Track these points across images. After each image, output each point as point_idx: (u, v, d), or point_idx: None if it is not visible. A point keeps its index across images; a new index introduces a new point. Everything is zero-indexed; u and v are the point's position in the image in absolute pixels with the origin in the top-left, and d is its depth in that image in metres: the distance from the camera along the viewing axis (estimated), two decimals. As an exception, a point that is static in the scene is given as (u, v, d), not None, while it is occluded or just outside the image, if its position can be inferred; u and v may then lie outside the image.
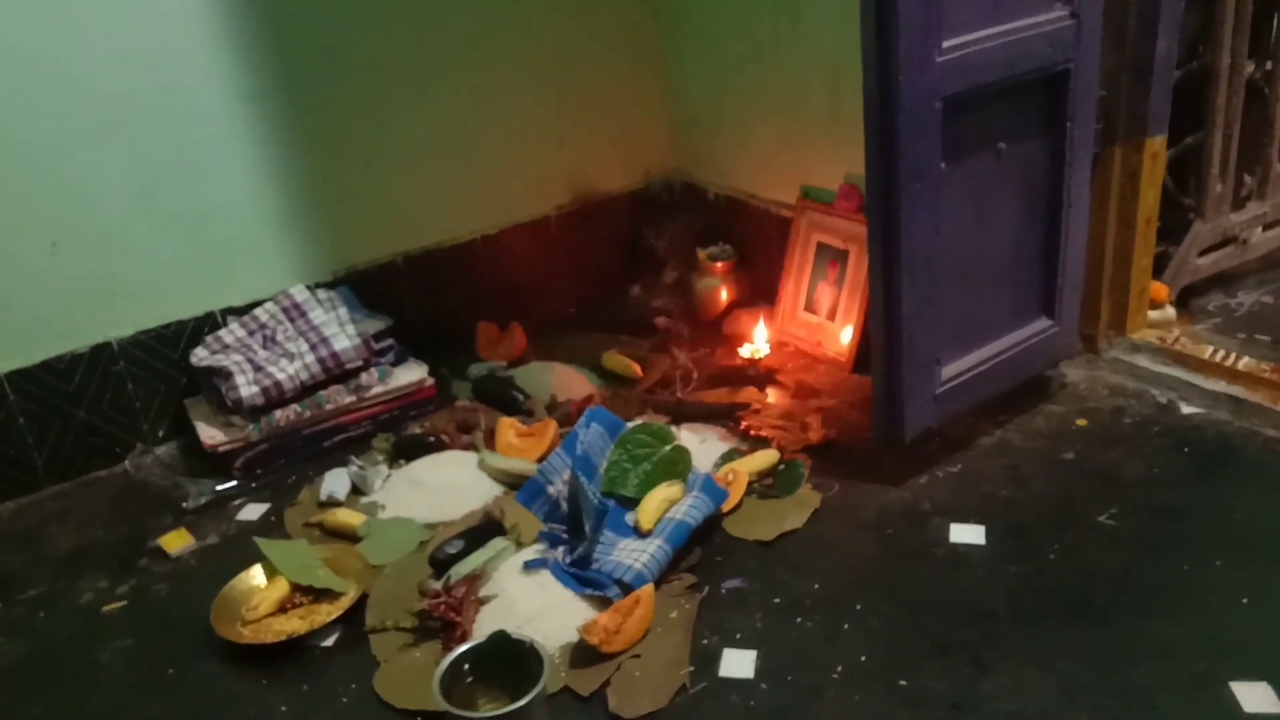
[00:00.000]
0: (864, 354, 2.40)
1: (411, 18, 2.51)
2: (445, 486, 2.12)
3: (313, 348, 2.32)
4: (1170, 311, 2.49)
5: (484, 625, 1.70)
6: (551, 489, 2.02)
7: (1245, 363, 2.24)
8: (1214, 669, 1.51)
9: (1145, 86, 2.18)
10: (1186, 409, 2.18)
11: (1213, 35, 2.36)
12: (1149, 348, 2.36)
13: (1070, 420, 2.18)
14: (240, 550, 1.99)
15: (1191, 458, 2.02)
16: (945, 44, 1.76)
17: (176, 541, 2.06)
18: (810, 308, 2.62)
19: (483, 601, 1.76)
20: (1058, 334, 2.20)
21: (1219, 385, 2.20)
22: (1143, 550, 1.78)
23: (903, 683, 1.55)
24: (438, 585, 1.78)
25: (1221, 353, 2.30)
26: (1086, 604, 1.67)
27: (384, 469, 2.21)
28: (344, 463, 2.23)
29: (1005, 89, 1.89)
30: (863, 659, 1.61)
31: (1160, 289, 2.47)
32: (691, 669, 1.61)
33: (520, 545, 1.91)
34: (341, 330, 2.35)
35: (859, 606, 1.72)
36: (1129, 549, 1.79)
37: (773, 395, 2.41)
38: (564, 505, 1.98)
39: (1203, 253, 2.57)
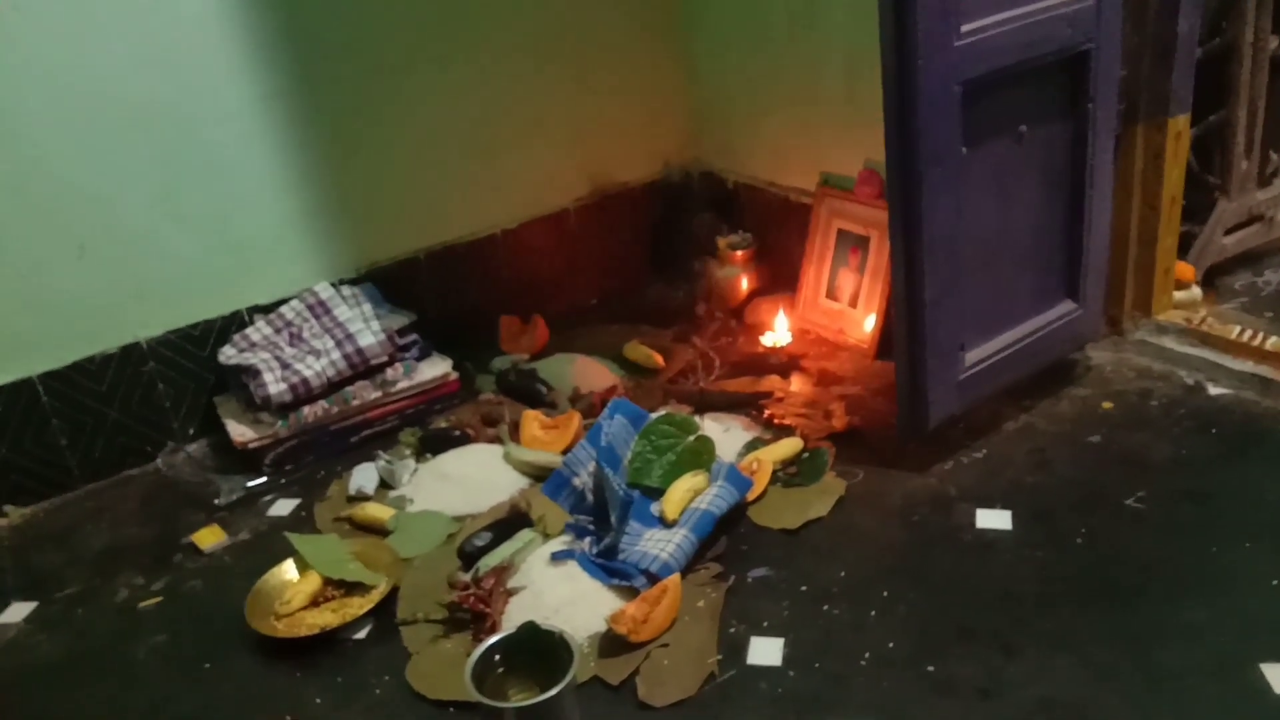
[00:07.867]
0: (887, 340, 2.40)
1: (428, 15, 2.51)
2: (472, 479, 2.14)
3: (338, 344, 2.34)
4: (1196, 292, 2.47)
5: (513, 616, 1.72)
6: (577, 480, 2.03)
7: (1273, 342, 2.22)
8: (1244, 651, 1.50)
9: (1167, 65, 2.15)
10: (1214, 390, 2.16)
11: (1235, 11, 2.32)
12: (1175, 329, 2.34)
13: (1096, 403, 2.17)
14: (272, 545, 2.02)
15: (1219, 439, 2.01)
16: (964, 28, 1.75)
17: (209, 538, 2.09)
18: (832, 295, 2.61)
19: (511, 593, 1.78)
20: (1082, 317, 2.19)
21: (1246, 365, 2.18)
22: (1170, 533, 1.77)
23: (930, 669, 1.56)
24: (467, 577, 1.80)
25: (1249, 332, 2.27)
26: (1114, 588, 1.67)
27: (411, 463, 2.23)
28: (372, 457, 2.25)
29: (1025, 71, 1.87)
30: (890, 645, 1.61)
31: (1185, 269, 2.45)
32: (719, 657, 1.62)
33: (547, 537, 1.92)
34: (366, 326, 2.37)
35: (886, 593, 1.72)
36: (1156, 532, 1.78)
37: (796, 383, 2.41)
38: (589, 497, 1.99)
39: (1228, 231, 2.54)
